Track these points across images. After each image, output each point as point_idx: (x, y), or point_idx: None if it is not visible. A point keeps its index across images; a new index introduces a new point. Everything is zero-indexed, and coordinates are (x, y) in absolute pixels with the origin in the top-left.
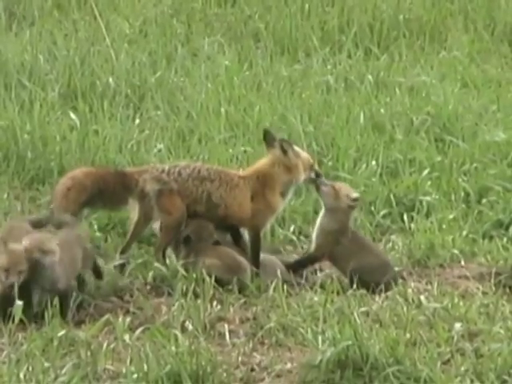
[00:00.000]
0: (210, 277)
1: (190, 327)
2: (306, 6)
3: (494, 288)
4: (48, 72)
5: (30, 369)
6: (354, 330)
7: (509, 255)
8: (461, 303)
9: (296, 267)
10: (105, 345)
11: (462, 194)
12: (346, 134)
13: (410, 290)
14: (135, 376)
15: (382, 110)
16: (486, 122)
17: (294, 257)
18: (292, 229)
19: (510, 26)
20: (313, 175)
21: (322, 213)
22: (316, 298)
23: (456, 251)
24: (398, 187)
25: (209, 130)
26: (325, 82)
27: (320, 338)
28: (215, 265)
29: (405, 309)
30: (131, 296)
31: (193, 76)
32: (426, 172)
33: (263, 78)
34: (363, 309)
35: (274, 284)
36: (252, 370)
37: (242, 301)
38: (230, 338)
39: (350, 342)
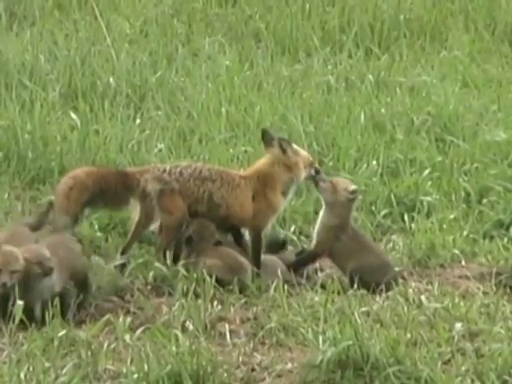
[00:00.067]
0: (211, 277)
1: (191, 327)
2: (307, 5)
3: (494, 288)
4: (49, 72)
5: (31, 369)
6: (355, 330)
7: (509, 255)
8: (461, 303)
9: (297, 266)
10: (105, 345)
11: (463, 194)
12: (346, 133)
13: (410, 290)
14: (136, 376)
15: (383, 110)
16: (486, 122)
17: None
18: (293, 229)
19: (511, 25)
20: (312, 172)
21: (322, 209)
22: (317, 298)
23: (457, 251)
24: (398, 187)
25: (209, 130)
26: (325, 81)
27: (321, 337)
28: (216, 265)
29: (405, 309)
30: (132, 296)
31: (193, 76)
32: (426, 172)
33: (264, 78)
34: (364, 309)
35: (274, 284)
36: (253, 370)
37: (243, 301)
38: (230, 338)
39: (350, 342)
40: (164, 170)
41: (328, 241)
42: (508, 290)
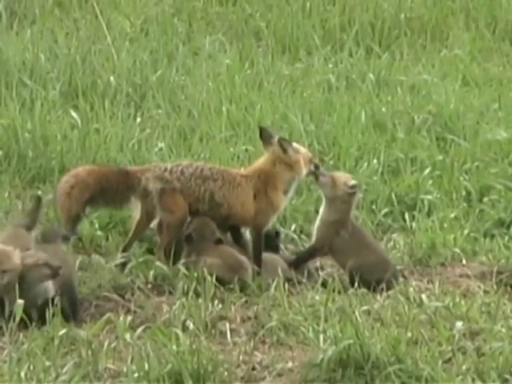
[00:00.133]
0: (211, 276)
1: (191, 326)
2: (308, 4)
3: (495, 287)
4: (49, 70)
5: (31, 368)
6: (356, 329)
7: (510, 254)
8: (462, 302)
9: (297, 263)
10: (106, 344)
11: (464, 192)
12: (347, 132)
13: (411, 289)
14: (136, 375)
15: (384, 109)
16: (487, 121)
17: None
18: (293, 228)
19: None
20: (312, 168)
21: (322, 205)
22: (317, 297)
23: (457, 250)
24: (399, 186)
25: (210, 129)
26: (326, 80)
27: (321, 336)
28: (216, 264)
29: (406, 308)
30: (132, 295)
31: (194, 75)
32: (427, 171)
33: (264, 77)
34: (364, 308)
35: (275, 283)
36: (253, 368)
37: (243, 300)
38: (231, 336)
39: (351, 341)
40: (165, 169)
41: (328, 236)
42: (509, 289)
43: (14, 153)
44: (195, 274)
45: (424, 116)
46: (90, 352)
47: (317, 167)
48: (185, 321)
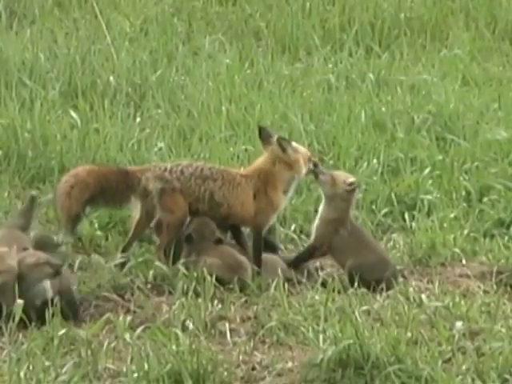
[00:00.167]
0: (211, 276)
1: (191, 326)
2: (307, 4)
3: (495, 287)
4: (49, 70)
5: (31, 368)
6: (355, 329)
7: (510, 254)
8: (462, 302)
9: (296, 262)
10: (105, 344)
11: (463, 192)
12: (347, 132)
13: (411, 289)
14: (136, 375)
15: (383, 109)
16: (487, 121)
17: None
18: (293, 227)
19: (511, 24)
20: (311, 166)
21: (321, 204)
22: (317, 297)
23: (457, 250)
24: (399, 186)
25: (210, 129)
26: (326, 80)
27: (321, 336)
28: (216, 264)
29: (406, 308)
30: (132, 295)
31: (194, 74)
32: (427, 171)
33: (264, 77)
34: (364, 307)
35: (275, 283)
36: (253, 368)
37: (243, 300)
38: (230, 336)
39: (351, 341)
40: (165, 169)
41: (327, 235)
42: (509, 289)
43: (14, 153)
44: (195, 274)
45: (424, 116)
46: (89, 352)
47: (315, 165)
48: (184, 321)
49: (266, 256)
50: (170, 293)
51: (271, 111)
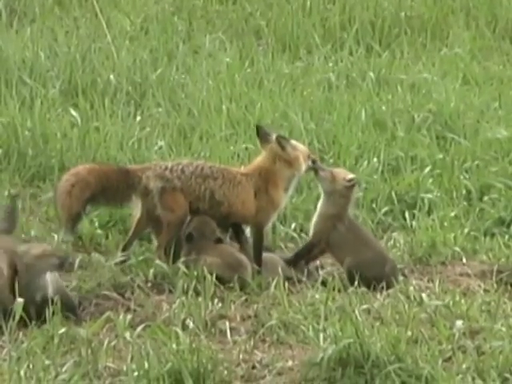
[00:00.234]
0: (211, 274)
1: (191, 325)
2: (308, 3)
3: (495, 286)
4: (49, 69)
5: (31, 366)
6: (356, 328)
7: (510, 253)
8: (462, 301)
9: (295, 260)
10: (105, 342)
11: (464, 191)
12: (347, 131)
13: (411, 288)
14: (136, 374)
15: (384, 108)
16: (487, 120)
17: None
18: (293, 226)
19: None
20: (310, 163)
21: (320, 200)
22: (317, 296)
23: (457, 249)
24: (399, 184)
25: (210, 128)
26: (326, 79)
27: (321, 335)
28: (216, 263)
29: (406, 306)
30: (132, 293)
31: (194, 73)
32: (427, 169)
33: (264, 76)
34: (364, 306)
35: (275, 281)
36: (253, 367)
37: (243, 298)
38: (231, 335)
39: (351, 340)
40: (166, 168)
41: (325, 230)
42: (509, 288)
43: (14, 151)
44: (195, 273)
45: (424, 114)
46: (89, 351)
47: (314, 162)
48: (185, 319)
49: (266, 255)
50: (171, 291)
51: (271, 110)
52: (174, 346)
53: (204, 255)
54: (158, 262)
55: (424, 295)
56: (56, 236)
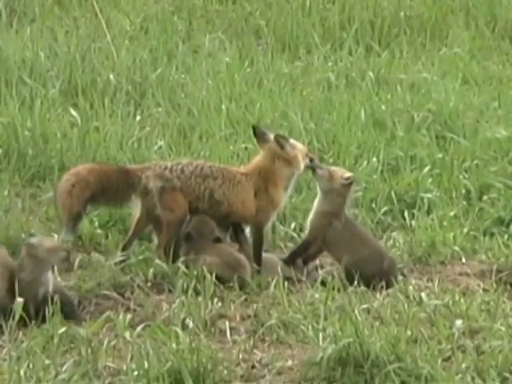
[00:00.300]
0: (211, 274)
1: (191, 324)
2: (307, 2)
3: (494, 285)
4: (49, 69)
5: (31, 366)
6: (355, 327)
7: (510, 252)
8: (462, 300)
9: (292, 257)
10: (105, 342)
11: (463, 191)
12: (346, 130)
13: (410, 287)
14: (136, 373)
15: (383, 107)
16: (487, 119)
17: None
18: (293, 226)
19: (511, 22)
20: (307, 161)
21: (317, 198)
22: (317, 295)
23: (457, 248)
24: (398, 184)
25: (210, 127)
26: (326, 78)
27: (321, 335)
28: (216, 262)
29: (406, 306)
30: (132, 293)
31: (194, 73)
32: (426, 169)
33: (264, 75)
34: (364, 306)
35: (274, 281)
36: (253, 367)
37: (243, 298)
38: (230, 335)
39: (350, 339)
40: (165, 168)
41: (321, 227)
42: (508, 287)
43: (14, 151)
44: (195, 273)
45: (424, 114)
46: (89, 350)
47: (311, 160)
48: (184, 319)
49: (265, 255)
50: (170, 291)
51: (271, 109)
52: (174, 345)
53: (203, 255)
54: (157, 261)
55: (423, 295)
56: (56, 236)
